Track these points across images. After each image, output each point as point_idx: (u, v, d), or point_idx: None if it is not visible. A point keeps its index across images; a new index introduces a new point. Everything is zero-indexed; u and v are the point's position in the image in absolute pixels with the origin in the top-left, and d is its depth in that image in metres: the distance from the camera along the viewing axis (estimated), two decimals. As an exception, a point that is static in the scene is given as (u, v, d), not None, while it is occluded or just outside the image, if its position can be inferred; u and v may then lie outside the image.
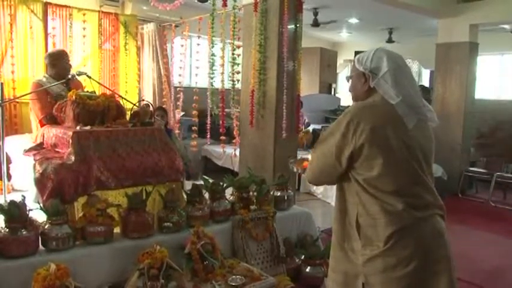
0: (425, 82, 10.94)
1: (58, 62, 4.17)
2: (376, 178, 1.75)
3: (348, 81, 2.06)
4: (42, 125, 3.96)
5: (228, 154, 6.28)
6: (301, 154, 5.78)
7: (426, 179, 1.83)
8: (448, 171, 6.93)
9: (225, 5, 4.73)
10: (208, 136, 5.60)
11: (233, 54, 4.89)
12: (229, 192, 3.67)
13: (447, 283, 1.78)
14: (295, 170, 2.25)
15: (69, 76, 4.03)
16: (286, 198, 3.90)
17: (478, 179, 7.60)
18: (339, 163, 1.82)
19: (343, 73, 12.53)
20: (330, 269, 2.00)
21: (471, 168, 7.46)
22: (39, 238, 2.69)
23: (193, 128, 5.68)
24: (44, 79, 4.21)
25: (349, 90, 2.03)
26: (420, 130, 1.85)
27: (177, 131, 5.99)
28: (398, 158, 1.76)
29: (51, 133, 3.58)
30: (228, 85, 5.03)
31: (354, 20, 8.93)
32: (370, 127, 1.74)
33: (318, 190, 6.44)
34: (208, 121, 5.56)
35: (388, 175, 1.75)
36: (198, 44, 5.83)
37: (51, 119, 3.85)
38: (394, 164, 1.76)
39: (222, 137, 5.26)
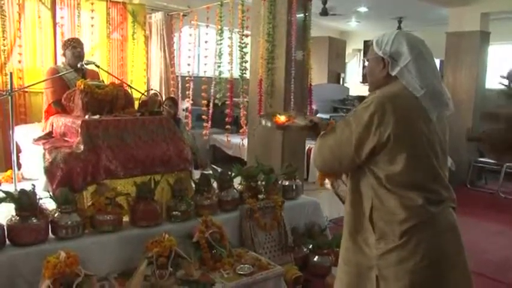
0: (435, 72, 10.83)
1: (66, 49, 4.17)
2: (398, 173, 1.70)
3: (364, 63, 2.00)
4: (50, 110, 3.98)
5: (236, 143, 6.29)
6: (309, 144, 5.80)
7: (443, 174, 1.79)
8: (457, 162, 6.88)
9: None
10: (208, 125, 5.62)
11: (241, 43, 4.86)
12: (237, 182, 3.67)
13: (462, 276, 1.77)
14: (263, 123, 2.15)
15: (78, 65, 4.03)
16: (294, 187, 3.90)
17: (487, 170, 7.54)
18: (358, 156, 1.75)
19: (352, 63, 12.44)
20: (341, 261, 1.96)
21: (480, 159, 7.41)
22: (49, 226, 2.71)
23: (203, 117, 5.67)
24: (62, 65, 4.24)
25: (366, 74, 1.97)
26: (439, 122, 1.80)
27: (185, 120, 5.99)
28: (421, 152, 1.72)
29: (60, 122, 3.60)
30: (236, 74, 5.02)
31: (363, 9, 8.84)
32: (395, 120, 1.67)
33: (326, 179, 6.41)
34: (211, 109, 5.62)
35: (410, 170, 1.69)
36: (207, 34, 5.81)
37: (60, 105, 3.86)
38: (417, 158, 1.71)
39: (228, 126, 5.26)
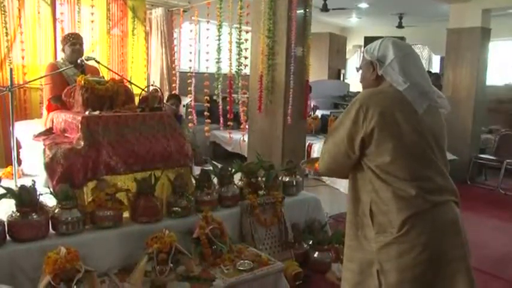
0: (436, 68, 10.83)
1: (65, 45, 4.16)
2: (388, 164, 1.76)
3: (357, 71, 2.07)
4: (49, 105, 3.97)
5: (236, 140, 6.29)
6: (309, 140, 5.80)
7: (438, 163, 1.83)
8: (458, 158, 6.88)
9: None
10: (221, 122, 5.62)
11: (240, 39, 4.86)
12: (237, 178, 3.68)
13: (460, 270, 1.77)
14: (307, 171, 2.25)
15: (78, 61, 4.02)
16: (294, 183, 3.91)
17: (487, 166, 7.54)
18: (352, 151, 1.82)
19: (353, 59, 12.44)
20: (345, 259, 2.00)
21: (481, 155, 7.40)
22: (50, 222, 2.72)
23: (205, 113, 5.67)
24: (61, 60, 4.23)
25: (360, 81, 2.05)
26: (431, 115, 1.85)
27: (189, 117, 5.99)
28: (409, 142, 1.77)
29: (60, 118, 3.59)
30: (235, 70, 5.01)
31: (363, 5, 8.83)
32: (379, 112, 1.75)
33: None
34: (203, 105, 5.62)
35: (399, 160, 1.75)
36: (208, 29, 5.79)
37: (59, 100, 3.86)
38: (405, 148, 1.76)
39: (230, 123, 5.26)
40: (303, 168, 2.27)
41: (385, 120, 1.75)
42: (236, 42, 4.88)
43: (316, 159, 2.22)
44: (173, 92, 6.29)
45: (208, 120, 5.67)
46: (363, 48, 11.71)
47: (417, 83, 1.82)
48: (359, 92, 1.95)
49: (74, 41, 4.12)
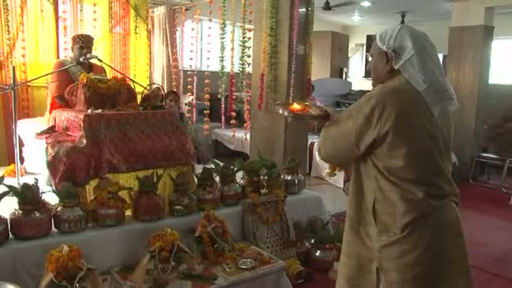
0: (438, 66, 10.76)
1: (74, 45, 4.17)
2: (399, 167, 1.70)
3: (367, 58, 1.99)
4: (54, 104, 3.98)
5: (238, 138, 6.29)
6: (311, 138, 5.79)
7: (445, 168, 1.78)
8: (460, 157, 6.87)
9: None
10: (207, 119, 5.62)
11: (244, 37, 4.86)
12: (239, 176, 3.68)
13: (461, 270, 1.77)
14: (280, 112, 2.10)
15: (81, 59, 4.03)
16: (296, 182, 3.91)
17: (489, 165, 7.52)
18: (357, 148, 1.76)
19: (355, 57, 12.41)
20: (342, 253, 1.96)
21: (483, 154, 7.38)
22: (52, 220, 2.73)
23: (205, 111, 5.67)
24: (69, 59, 4.23)
25: (369, 69, 1.93)
26: (442, 117, 1.78)
27: (188, 115, 5.99)
28: (422, 148, 1.71)
29: (63, 116, 3.60)
30: (238, 69, 5.01)
31: (366, 3, 8.80)
32: (395, 114, 1.66)
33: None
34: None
35: (410, 165, 1.69)
36: (210, 28, 5.79)
37: (63, 100, 3.87)
38: (417, 153, 1.70)
39: (233, 121, 5.27)
40: (276, 110, 2.08)
41: (401, 123, 1.67)
42: (240, 40, 4.88)
43: (291, 103, 2.12)
44: (171, 89, 6.28)
45: (207, 119, 5.66)
46: (365, 47, 11.70)
47: (435, 80, 1.73)
48: (361, 91, 1.91)
49: (82, 45, 4.12)
